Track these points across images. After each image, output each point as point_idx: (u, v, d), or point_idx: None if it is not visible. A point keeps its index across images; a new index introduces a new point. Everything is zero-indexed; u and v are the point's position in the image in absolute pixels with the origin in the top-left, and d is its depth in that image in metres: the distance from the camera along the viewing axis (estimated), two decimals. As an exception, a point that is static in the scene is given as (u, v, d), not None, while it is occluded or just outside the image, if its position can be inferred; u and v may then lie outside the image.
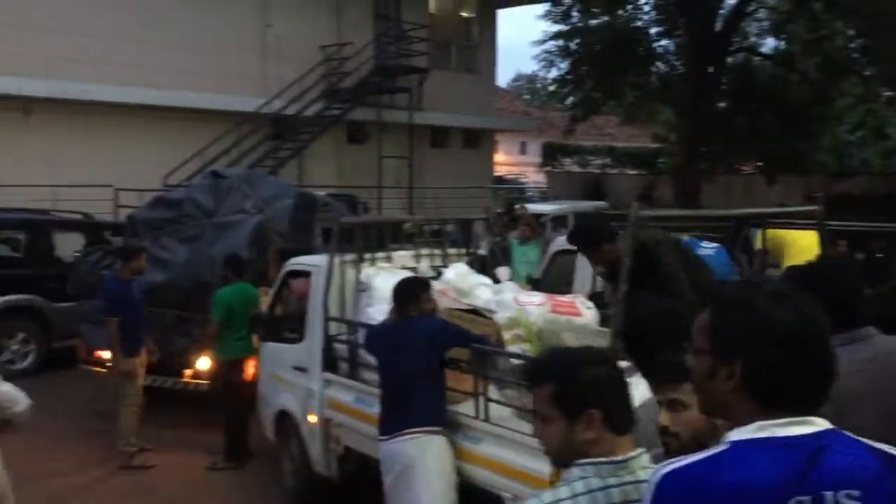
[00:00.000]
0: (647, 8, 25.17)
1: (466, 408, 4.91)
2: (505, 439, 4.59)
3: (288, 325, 6.87)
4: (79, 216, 12.31)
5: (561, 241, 9.57)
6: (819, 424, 1.59)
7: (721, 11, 22.70)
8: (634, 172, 32.03)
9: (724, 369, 1.62)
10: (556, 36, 24.84)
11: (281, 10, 18.61)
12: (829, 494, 1.54)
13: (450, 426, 4.88)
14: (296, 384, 6.43)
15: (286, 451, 6.70)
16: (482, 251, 7.40)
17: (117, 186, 14.49)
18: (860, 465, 1.58)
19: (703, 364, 1.67)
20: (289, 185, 11.14)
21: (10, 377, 4.51)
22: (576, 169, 34.35)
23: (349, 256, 6.24)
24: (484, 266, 6.93)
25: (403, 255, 6.61)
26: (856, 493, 1.55)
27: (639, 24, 25.18)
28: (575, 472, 2.00)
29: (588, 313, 5.49)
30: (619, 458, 2.00)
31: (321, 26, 19.35)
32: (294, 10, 18.77)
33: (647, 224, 4.50)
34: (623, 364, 2.33)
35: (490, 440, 4.69)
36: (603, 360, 2.10)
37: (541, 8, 25.31)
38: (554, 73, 26.56)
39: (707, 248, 7.03)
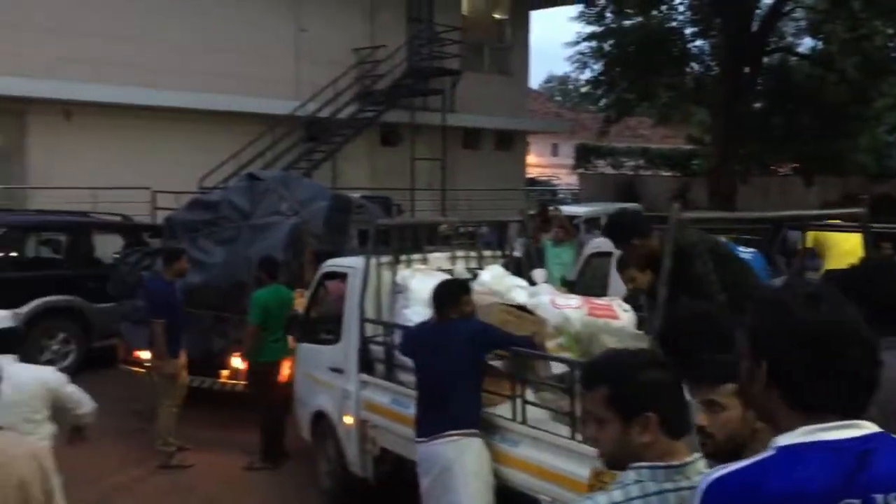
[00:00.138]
0: (681, 8, 25.01)
1: (503, 410, 4.91)
2: (542, 442, 4.59)
3: (324, 327, 6.91)
4: (118, 218, 12.50)
5: (595, 244, 9.54)
6: (866, 428, 1.58)
7: (757, 11, 22.44)
8: (668, 174, 31.77)
9: (757, 371, 1.63)
10: (590, 37, 24.73)
11: (314, 13, 18.75)
12: (879, 497, 1.53)
13: (487, 428, 4.87)
14: (332, 385, 6.47)
15: (322, 451, 6.75)
16: (517, 253, 7.40)
17: (155, 189, 14.73)
18: None
19: (744, 367, 1.68)
20: (324, 187, 11.21)
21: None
22: (609, 170, 34.16)
23: (385, 258, 6.27)
24: (519, 268, 6.93)
25: (439, 257, 6.61)
26: None
27: (673, 24, 25.00)
28: (630, 475, 1.99)
29: (625, 316, 5.46)
30: (676, 462, 1.99)
31: (354, 29, 19.46)
32: (327, 13, 18.90)
33: (687, 226, 4.47)
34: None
35: (527, 443, 4.68)
36: (660, 364, 2.09)
37: (574, 9, 25.25)
38: (587, 75, 26.47)
39: (744, 252, 6.97)
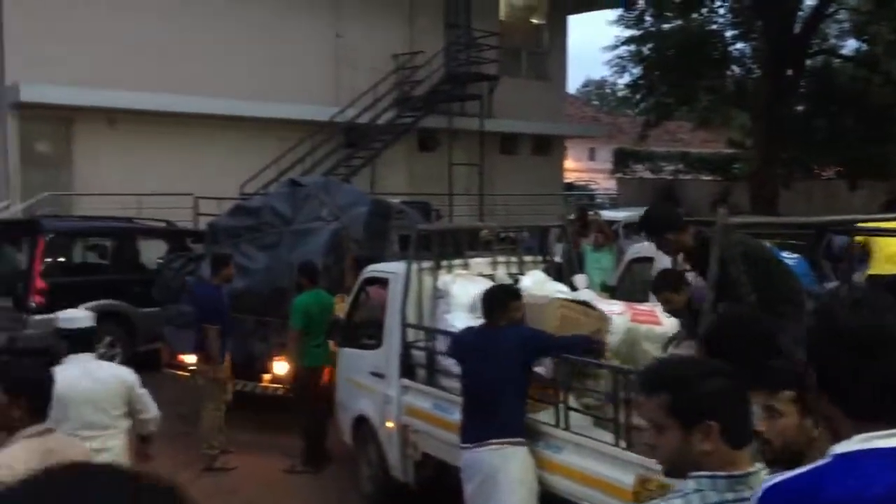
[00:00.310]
0: (721, 11, 24.74)
1: (546, 416, 4.90)
2: (585, 448, 4.57)
3: (365, 332, 6.95)
4: (162, 224, 12.70)
5: (636, 249, 9.48)
6: None
7: (800, 13, 22.14)
8: (708, 178, 31.43)
9: (810, 378, 1.64)
10: (628, 41, 24.57)
11: (353, 20, 18.89)
12: None
13: (530, 435, 4.86)
14: (374, 390, 6.50)
15: (364, 456, 6.78)
16: (557, 258, 7.38)
17: (197, 195, 14.95)
18: None
19: (808, 376, 1.68)
20: (364, 192, 11.29)
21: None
22: (647, 175, 33.89)
23: (426, 263, 6.29)
24: (560, 273, 6.92)
25: (480, 263, 6.62)
26: None
27: (713, 27, 24.73)
28: (690, 484, 1.97)
29: (668, 322, 5.43)
30: (738, 472, 1.96)
31: (393, 36, 19.57)
32: (366, 20, 19.03)
33: (734, 231, 4.43)
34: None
35: (570, 449, 4.67)
36: (723, 372, 2.06)
37: (611, 13, 25.12)
38: (626, 79, 26.29)
39: (787, 258, 6.88)
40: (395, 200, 10.68)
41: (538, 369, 4.98)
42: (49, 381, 3.43)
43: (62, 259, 11.58)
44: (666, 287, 5.18)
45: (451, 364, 5.69)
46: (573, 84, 62.65)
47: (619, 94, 34.81)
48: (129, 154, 15.86)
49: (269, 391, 8.53)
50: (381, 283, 6.75)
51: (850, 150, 23.21)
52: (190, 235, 12.32)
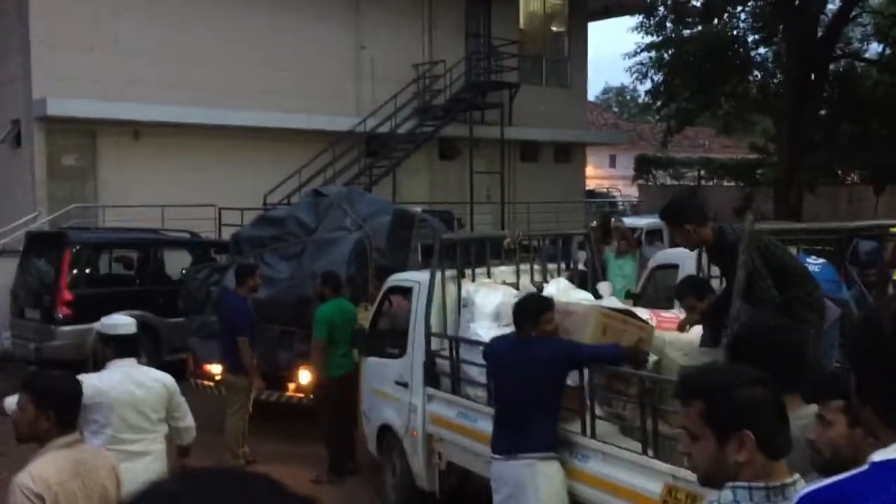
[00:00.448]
0: (743, 16, 24.59)
1: (573, 425, 4.87)
2: (612, 457, 4.55)
3: (389, 341, 6.95)
4: (186, 235, 12.79)
5: (660, 256, 9.43)
6: None
7: (822, 17, 21.98)
8: (731, 184, 31.23)
9: (854, 386, 1.62)
10: (649, 47, 24.48)
11: (374, 31, 18.99)
12: None
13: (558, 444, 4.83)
14: (398, 399, 6.50)
15: (388, 465, 6.78)
16: (581, 266, 7.35)
17: (220, 206, 15.06)
18: None
19: (849, 384, 1.67)
20: (386, 201, 11.32)
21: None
22: (669, 181, 33.74)
23: (450, 272, 6.29)
24: (584, 281, 6.90)
25: (504, 271, 6.61)
26: None
27: (735, 32, 24.59)
28: (726, 494, 1.95)
29: (693, 330, 5.39)
30: (776, 483, 1.93)
31: (413, 46, 19.65)
32: (387, 31, 19.13)
33: (763, 237, 4.41)
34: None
35: (597, 458, 4.64)
36: (759, 380, 2.02)
37: (631, 20, 25.05)
38: (647, 86, 26.17)
39: (813, 264, 6.82)
40: (418, 209, 10.69)
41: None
42: (77, 392, 3.46)
43: (88, 270, 11.70)
44: (690, 293, 5.15)
45: (475, 373, 5.69)
46: (593, 91, 62.59)
47: (640, 100, 34.62)
48: (153, 166, 16.03)
49: (294, 400, 8.55)
50: (405, 292, 6.76)
51: (875, 154, 22.97)
52: (214, 246, 12.41)
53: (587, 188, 28.43)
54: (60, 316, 10.86)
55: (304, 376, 8.28)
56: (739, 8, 24.26)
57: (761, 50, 24.89)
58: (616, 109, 61.39)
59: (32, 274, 11.68)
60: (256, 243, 9.45)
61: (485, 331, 5.66)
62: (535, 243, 7.34)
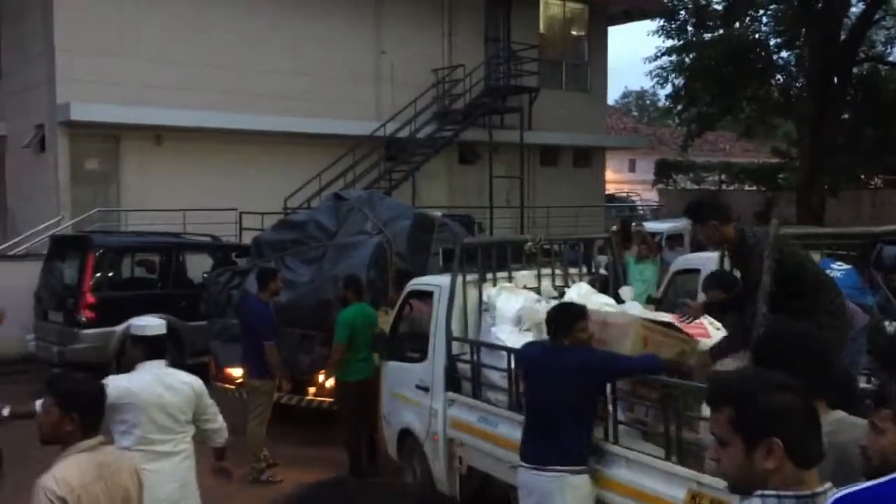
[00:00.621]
0: (765, 19, 24.43)
1: (596, 430, 4.84)
2: (635, 463, 4.52)
3: (410, 345, 6.95)
4: (207, 239, 12.86)
5: (681, 261, 9.39)
6: None
7: (846, 20, 21.79)
8: (752, 188, 31.01)
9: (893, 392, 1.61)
10: (670, 51, 24.36)
11: (394, 36, 19.04)
12: None
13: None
14: (418, 403, 6.50)
15: (409, 469, 6.78)
16: (602, 270, 7.32)
17: (241, 210, 15.14)
18: None
19: (888, 390, 1.65)
20: (407, 206, 11.32)
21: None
22: (689, 186, 33.56)
23: (471, 276, 6.28)
24: (605, 286, 6.87)
25: (525, 275, 6.59)
26: None
27: (757, 35, 24.43)
28: (755, 502, 1.92)
29: (718, 334, 5.36)
30: (807, 492, 1.89)
31: (433, 50, 19.68)
32: (407, 35, 19.17)
33: (787, 242, 4.38)
34: None
35: (620, 463, 4.61)
36: (789, 387, 1.98)
37: (652, 24, 24.95)
38: (667, 90, 26.03)
39: (838, 269, 6.75)
40: (438, 213, 10.70)
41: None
42: (101, 395, 3.48)
43: (111, 274, 11.79)
44: (716, 287, 5.13)
45: (497, 377, 5.67)
46: (612, 95, 62.40)
47: (660, 104, 34.47)
48: (174, 170, 16.14)
49: (315, 404, 8.57)
50: (426, 296, 6.75)
51: (899, 158, 22.76)
52: (234, 250, 12.47)
53: (607, 192, 28.37)
54: (83, 319, 10.95)
55: (325, 380, 8.29)
56: (761, 11, 24.10)
57: (783, 53, 24.71)
58: (636, 113, 61.17)
59: (56, 277, 11.79)
60: (277, 247, 9.49)
61: (506, 335, 5.65)
62: (556, 247, 7.31)
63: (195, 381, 4.60)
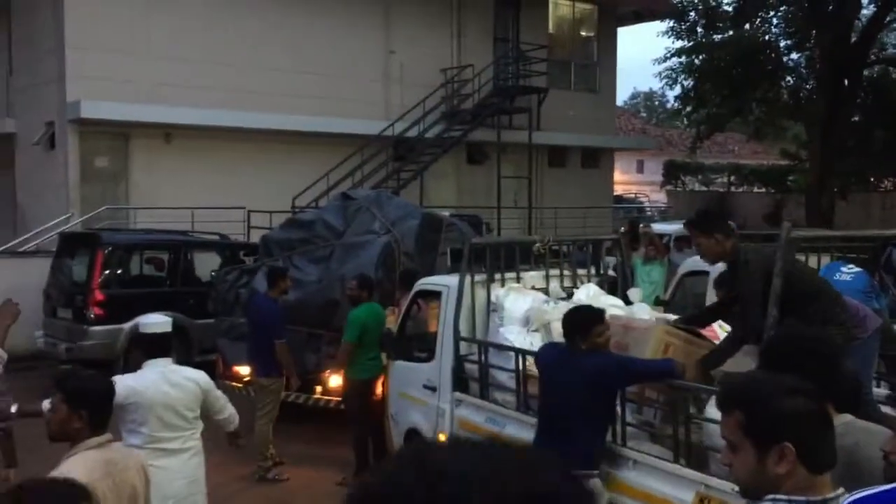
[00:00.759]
0: (775, 21, 24.33)
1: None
2: (643, 465, 4.51)
3: (418, 345, 6.95)
4: (215, 237, 12.88)
5: (690, 263, 9.35)
6: None
7: (857, 22, 21.70)
8: (761, 191, 30.92)
9: None
10: (679, 52, 24.31)
11: (403, 36, 19.04)
12: None
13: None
14: (426, 403, 6.50)
15: (416, 469, 6.76)
16: (611, 272, 7.31)
17: (249, 208, 15.17)
18: None
19: None
20: (415, 205, 11.31)
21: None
22: (698, 187, 33.49)
23: (479, 276, 6.28)
24: (613, 287, 6.86)
25: (533, 276, 6.59)
26: None
27: (767, 37, 24.35)
28: None
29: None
30: (817, 497, 1.88)
31: (442, 50, 19.67)
32: (416, 35, 19.17)
33: (801, 245, 4.36)
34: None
35: (628, 465, 4.60)
36: (801, 391, 1.96)
37: (661, 25, 24.90)
38: (677, 91, 25.97)
39: (847, 273, 6.72)
40: (446, 213, 10.70)
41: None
42: (110, 393, 3.49)
43: (120, 271, 11.82)
44: (729, 285, 5.10)
45: (504, 378, 5.66)
46: (621, 96, 62.29)
47: (669, 106, 34.39)
48: (183, 168, 16.18)
49: (322, 403, 8.57)
50: (434, 296, 6.75)
51: (910, 161, 22.65)
52: (243, 248, 12.48)
53: (615, 194, 28.33)
54: (92, 316, 10.98)
55: (333, 379, 8.30)
56: (771, 13, 24.02)
57: (794, 55, 24.62)
58: (644, 114, 61.07)
59: (65, 274, 11.83)
60: (285, 246, 9.50)
61: (514, 335, 5.65)
62: (565, 248, 7.30)
63: (201, 377, 4.61)
